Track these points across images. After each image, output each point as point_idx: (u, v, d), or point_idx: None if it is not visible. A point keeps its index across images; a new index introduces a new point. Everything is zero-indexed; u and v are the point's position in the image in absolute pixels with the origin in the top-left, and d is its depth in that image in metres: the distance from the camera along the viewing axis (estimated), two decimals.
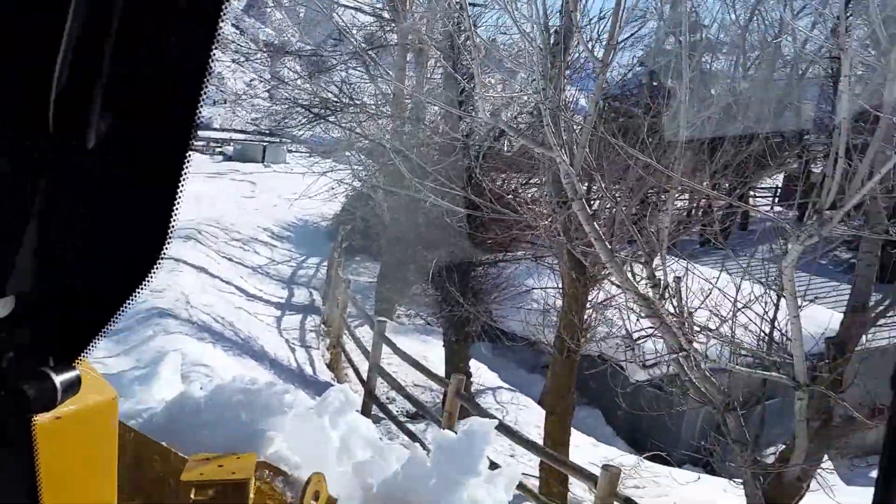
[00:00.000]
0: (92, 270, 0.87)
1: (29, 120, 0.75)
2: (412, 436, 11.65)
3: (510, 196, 13.92)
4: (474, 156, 13.32)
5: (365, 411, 12.82)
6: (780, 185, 31.69)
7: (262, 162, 42.91)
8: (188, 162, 0.83)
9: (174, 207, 0.84)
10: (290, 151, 42.82)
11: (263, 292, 17.79)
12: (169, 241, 0.86)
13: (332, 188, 21.09)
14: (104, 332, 0.89)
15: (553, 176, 9.85)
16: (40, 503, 1.01)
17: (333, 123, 17.11)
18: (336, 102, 17.27)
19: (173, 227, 0.84)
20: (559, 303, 12.55)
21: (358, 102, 17.13)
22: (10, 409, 0.85)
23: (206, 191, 31.29)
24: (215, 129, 60.21)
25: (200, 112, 0.81)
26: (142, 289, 0.87)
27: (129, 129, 0.81)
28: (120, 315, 0.89)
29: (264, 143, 44.41)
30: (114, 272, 0.87)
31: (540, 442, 10.66)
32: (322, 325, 16.73)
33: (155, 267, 0.86)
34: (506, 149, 9.63)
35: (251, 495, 2.93)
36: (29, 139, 0.76)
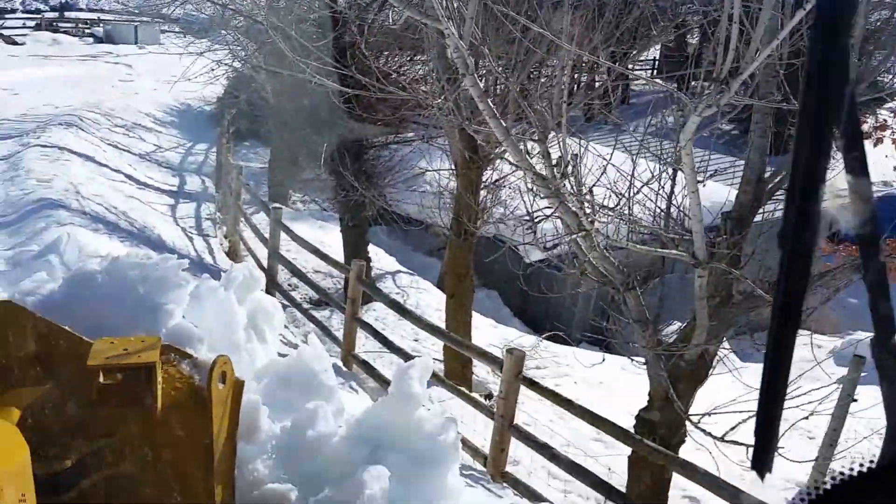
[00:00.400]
0: None
1: None
2: (317, 323, 11.92)
3: (397, 74, 14.07)
4: (357, 31, 13.26)
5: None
6: (656, 57, 32.16)
7: (136, 43, 41.26)
8: None
9: None
10: (163, 32, 41.23)
11: (154, 180, 17.56)
12: None
13: (212, 69, 20.60)
14: None
15: (440, 51, 9.81)
16: None
17: None
18: None
19: None
20: (453, 185, 12.80)
21: None
22: None
23: (80, 74, 30.16)
24: (82, 10, 57.11)
25: None
26: None
27: None
28: None
29: (136, 24, 42.58)
30: None
31: (442, 326, 11.06)
32: (217, 213, 16.67)
33: None
34: (391, 22, 9.47)
35: (159, 378, 2.91)
36: None
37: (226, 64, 21.91)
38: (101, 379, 2.83)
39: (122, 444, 3.07)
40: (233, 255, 15.00)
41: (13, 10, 56.03)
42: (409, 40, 13.48)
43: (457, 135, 10.83)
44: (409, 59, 14.08)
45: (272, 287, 13.14)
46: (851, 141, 0.79)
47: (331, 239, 15.90)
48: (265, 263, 13.97)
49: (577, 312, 15.71)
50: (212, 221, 16.05)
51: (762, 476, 0.80)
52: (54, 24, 50.92)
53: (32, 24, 50.01)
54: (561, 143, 7.24)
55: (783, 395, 0.82)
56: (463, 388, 9.41)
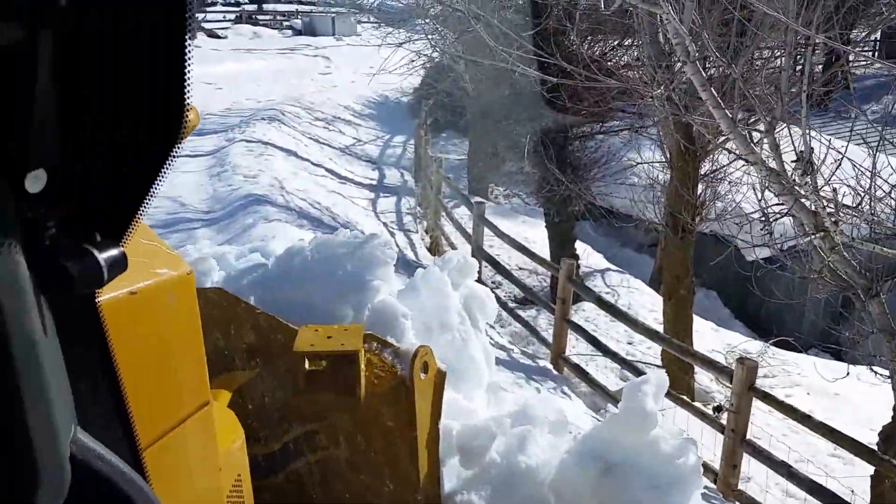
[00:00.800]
0: (120, 140, 0.86)
1: None
2: (524, 323, 11.77)
3: (602, 61, 13.64)
4: (563, 16, 12.94)
5: None
6: (877, 38, 30.00)
7: (333, 35, 42.40)
8: (191, 14, 0.82)
9: (186, 65, 0.82)
10: (359, 22, 42.18)
11: (354, 174, 17.92)
12: (188, 100, 0.85)
13: (411, 61, 20.79)
14: (145, 206, 0.89)
15: (652, 36, 9.41)
16: (119, 381, 1.03)
17: None
18: None
19: (189, 86, 0.83)
20: (664, 177, 12.26)
21: None
22: (58, 289, 0.85)
23: (281, 67, 31.29)
24: (279, 2, 59.44)
25: None
26: (173, 159, 0.87)
27: None
28: (158, 187, 0.89)
29: (332, 15, 43.78)
30: (142, 141, 0.86)
31: (658, 328, 10.62)
32: (417, 208, 16.82)
33: (178, 139, 0.86)
34: (601, 5, 9.11)
35: (362, 366, 2.99)
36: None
37: (424, 54, 22.19)
38: (307, 365, 2.92)
39: (332, 429, 3.23)
40: (434, 250, 15.05)
41: (213, 3, 58.84)
42: (617, 25, 13.06)
43: (671, 125, 10.37)
44: (615, 44, 13.63)
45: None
46: None
47: (534, 234, 15.71)
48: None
49: (806, 316, 14.79)
50: (412, 216, 16.18)
51: None
52: (253, 16, 53.14)
53: (232, 17, 52.37)
54: (802, 137, 6.72)
55: None
56: (686, 398, 9.02)
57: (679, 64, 9.71)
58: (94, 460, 0.93)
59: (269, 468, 3.27)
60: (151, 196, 0.88)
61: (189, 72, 0.83)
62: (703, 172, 11.13)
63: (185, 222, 11.17)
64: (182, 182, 13.99)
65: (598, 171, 14.15)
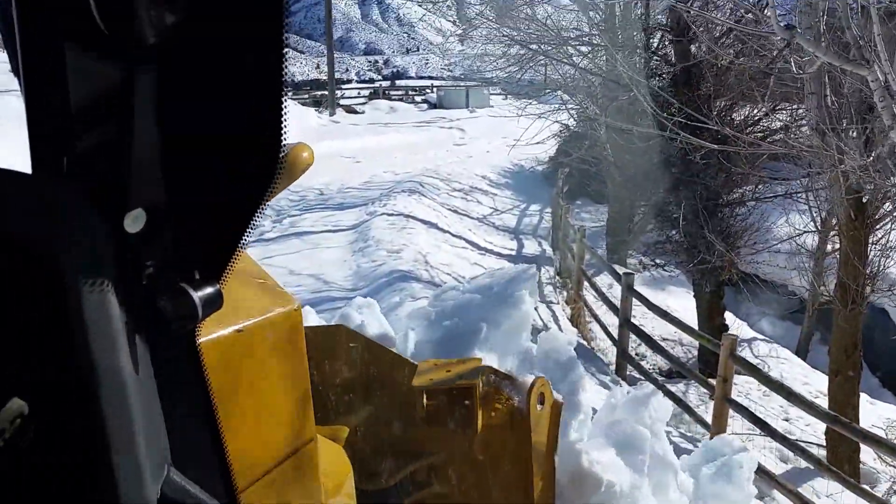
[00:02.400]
0: (217, 180, 0.82)
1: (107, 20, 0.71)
2: (676, 399, 10.79)
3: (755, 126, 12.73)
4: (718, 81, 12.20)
5: (619, 371, 12.11)
6: None
7: (467, 107, 42.45)
8: (285, 61, 0.76)
9: (283, 102, 0.77)
10: (492, 94, 42.24)
11: (493, 244, 17.27)
12: (285, 137, 0.78)
13: (559, 131, 20.20)
14: (243, 244, 0.84)
15: (820, 100, 8.71)
16: (217, 421, 0.96)
17: (555, 59, 16.15)
18: (546, 36, 16.45)
19: (286, 122, 0.77)
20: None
21: (576, 34, 16.20)
22: (154, 327, 0.83)
23: (417, 140, 31.23)
24: (412, 77, 60.35)
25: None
26: (268, 196, 0.81)
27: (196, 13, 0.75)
28: (254, 225, 0.83)
29: (466, 88, 43.95)
30: (238, 181, 0.82)
31: (819, 402, 9.49)
32: (557, 277, 16.06)
33: (275, 175, 0.79)
34: (795, 69, 8.27)
35: (478, 400, 2.94)
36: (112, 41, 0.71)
37: (562, 123, 21.70)
38: (425, 399, 2.91)
39: (448, 463, 3.16)
40: (576, 321, 14.26)
41: (349, 81, 60.30)
42: (770, 88, 12.16)
43: (842, 190, 9.37)
44: (772, 107, 12.65)
45: (623, 358, 12.19)
46: None
47: (676, 303, 14.76)
48: (613, 331, 13.09)
49: None
50: (552, 286, 15.39)
51: None
52: (387, 92, 54.16)
53: (367, 93, 53.46)
54: None
55: None
56: (853, 480, 7.98)
57: (852, 131, 8.90)
58: (187, 501, 0.90)
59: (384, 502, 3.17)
60: (249, 233, 0.84)
61: (286, 108, 0.79)
62: (875, 241, 10.03)
63: (329, 301, 10.59)
64: (325, 258, 13.62)
65: (748, 237, 13.06)
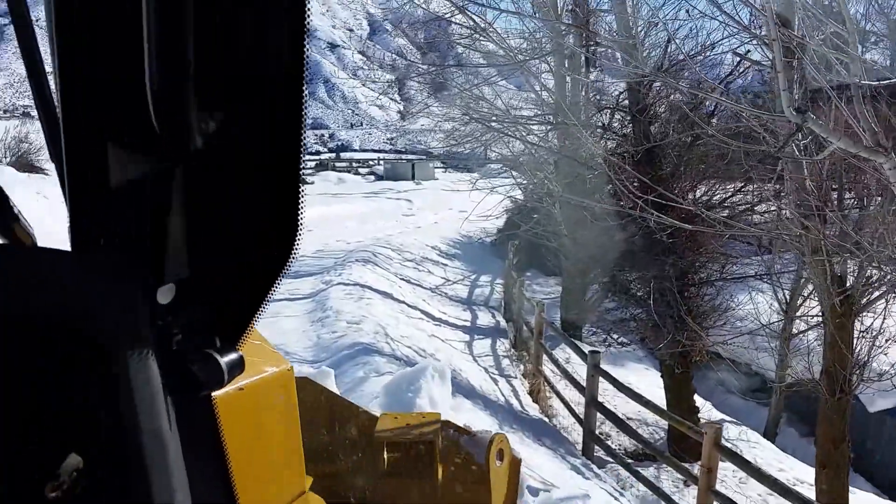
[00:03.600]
0: (238, 257, 0.87)
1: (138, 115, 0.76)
2: (654, 488, 9.74)
3: (720, 207, 11.99)
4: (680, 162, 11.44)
5: (586, 452, 11.01)
6: None
7: (413, 179, 41.58)
8: (303, 149, 0.83)
9: (300, 187, 0.83)
10: (436, 168, 41.62)
11: (447, 315, 16.16)
12: (300, 225, 0.83)
13: (510, 205, 19.42)
14: (260, 314, 0.88)
15: (800, 184, 7.96)
16: (230, 474, 0.99)
17: (511, 136, 15.35)
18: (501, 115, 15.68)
19: (302, 211, 0.83)
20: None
21: (536, 114, 15.41)
22: (185, 390, 0.86)
23: (366, 210, 30.28)
24: (355, 150, 60.39)
25: (305, 96, 0.82)
26: (285, 272, 0.85)
27: (232, 122, 0.81)
28: (271, 296, 0.87)
29: (413, 161, 43.27)
30: (257, 259, 0.87)
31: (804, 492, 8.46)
32: (512, 350, 15.00)
33: (292, 254, 0.84)
34: (802, 153, 7.45)
35: (438, 454, 2.90)
36: (147, 136, 0.78)
37: (513, 197, 20.94)
38: (386, 452, 2.86)
39: None
40: (535, 395, 13.15)
41: None
42: (735, 169, 11.45)
43: (827, 275, 8.53)
44: (740, 188, 11.88)
45: (590, 439, 11.10)
46: None
47: (638, 380, 13.80)
48: (576, 409, 12.03)
49: None
50: (509, 359, 14.31)
51: None
52: (331, 163, 53.37)
53: (313, 164, 52.63)
54: None
55: None
56: None
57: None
58: None
59: None
60: (267, 303, 0.88)
61: (303, 192, 0.85)
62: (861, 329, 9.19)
63: None
64: (286, 328, 12.41)
65: (717, 318, 12.13)
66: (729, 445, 11.52)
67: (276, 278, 0.86)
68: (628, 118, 11.75)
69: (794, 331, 14.35)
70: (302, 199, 0.83)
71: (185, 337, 0.87)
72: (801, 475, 11.58)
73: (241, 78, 0.80)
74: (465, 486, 2.95)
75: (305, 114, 0.82)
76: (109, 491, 0.79)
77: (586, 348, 11.94)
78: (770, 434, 14.61)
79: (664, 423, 12.77)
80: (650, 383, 14.56)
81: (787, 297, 14.24)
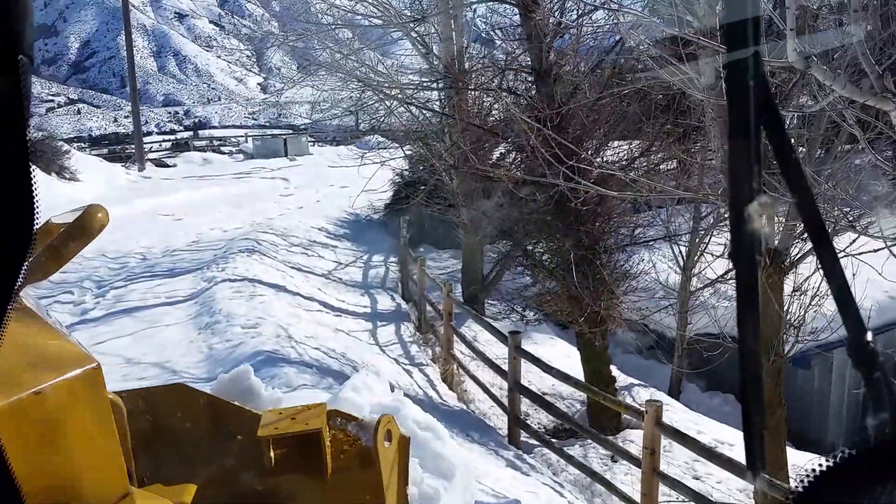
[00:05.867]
0: None
1: None
2: (582, 467, 9.59)
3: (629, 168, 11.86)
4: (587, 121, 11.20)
5: (512, 438, 10.78)
6: None
7: (286, 156, 40.34)
8: (28, 128, 0.74)
9: (30, 173, 0.75)
10: (310, 142, 40.55)
11: (346, 303, 15.55)
12: (36, 199, 0.76)
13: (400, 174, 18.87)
14: (10, 307, 0.80)
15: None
16: (16, 485, 0.90)
17: (408, 103, 14.86)
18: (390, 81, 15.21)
19: (35, 185, 0.76)
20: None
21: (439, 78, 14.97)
22: None
23: (239, 192, 29.14)
24: (215, 127, 58.35)
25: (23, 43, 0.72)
26: (29, 254, 0.78)
27: None
28: (16, 295, 0.80)
29: (284, 137, 41.96)
30: None
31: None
32: (417, 333, 14.63)
33: (32, 238, 0.77)
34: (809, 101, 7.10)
35: (327, 443, 2.91)
36: None
37: (400, 170, 20.53)
38: (272, 449, 2.84)
39: None
40: (449, 381, 12.84)
41: (149, 133, 57.30)
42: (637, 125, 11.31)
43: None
44: (647, 147, 11.72)
45: (516, 424, 10.87)
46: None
47: (546, 352, 13.63)
48: (497, 392, 11.79)
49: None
50: (416, 345, 13.93)
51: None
52: (188, 142, 51.40)
53: (168, 144, 50.63)
54: None
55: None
56: None
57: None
58: None
59: None
60: (12, 304, 0.81)
61: (34, 175, 0.78)
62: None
63: None
64: (166, 340, 11.19)
65: (629, 284, 12.06)
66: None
67: (19, 269, 0.80)
68: (531, 80, 11.40)
69: (692, 288, 14.60)
70: (33, 175, 0.77)
71: None
72: (720, 435, 11.72)
73: None
74: (355, 473, 2.97)
75: (24, 69, 0.72)
76: None
77: (504, 328, 11.69)
78: (674, 392, 14.83)
79: (579, 396, 12.73)
80: (560, 354, 14.49)
81: (685, 255, 14.47)
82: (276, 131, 43.22)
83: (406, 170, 21.33)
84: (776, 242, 8.63)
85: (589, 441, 10.78)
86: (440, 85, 14.84)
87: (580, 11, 11.29)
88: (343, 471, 2.95)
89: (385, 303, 16.27)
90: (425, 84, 14.90)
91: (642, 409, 8.28)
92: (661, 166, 11.89)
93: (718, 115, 7.85)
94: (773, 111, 0.87)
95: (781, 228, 8.69)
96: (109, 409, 1.54)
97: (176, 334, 11.65)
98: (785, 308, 8.89)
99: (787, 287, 9.20)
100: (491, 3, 13.08)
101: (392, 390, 6.22)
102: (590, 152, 10.78)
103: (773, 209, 8.01)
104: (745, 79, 0.85)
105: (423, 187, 18.99)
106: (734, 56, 0.86)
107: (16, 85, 0.72)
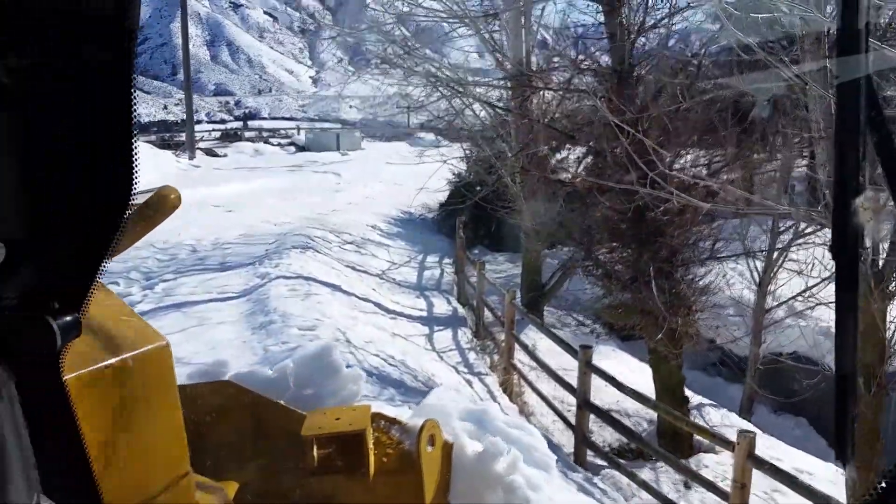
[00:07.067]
0: (73, 215, 0.87)
1: None
2: (654, 492, 9.02)
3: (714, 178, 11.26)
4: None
5: (578, 458, 10.23)
6: None
7: (338, 150, 39.99)
8: (134, 103, 0.82)
9: (133, 138, 0.83)
10: (363, 137, 40.20)
11: (401, 305, 15.06)
12: (136, 174, 0.83)
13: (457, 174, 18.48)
14: (99, 275, 0.88)
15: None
16: (86, 452, 0.99)
17: (483, 102, 14.33)
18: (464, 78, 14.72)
19: (136, 158, 0.82)
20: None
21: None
22: (11, 355, 0.85)
23: (289, 186, 28.86)
24: (264, 118, 58.58)
25: (134, 26, 0.77)
26: (122, 229, 0.86)
27: (48, 60, 0.79)
28: (111, 254, 0.88)
29: (337, 131, 41.64)
30: (92, 215, 0.86)
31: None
32: (475, 339, 14.11)
33: (128, 205, 0.85)
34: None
35: (370, 445, 2.89)
36: None
37: (457, 170, 20.12)
38: (316, 449, 2.84)
39: None
40: (509, 392, 12.30)
41: (198, 122, 57.54)
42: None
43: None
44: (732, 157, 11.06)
45: (583, 443, 10.32)
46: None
47: (614, 368, 13.07)
48: (559, 406, 11.26)
49: None
50: (474, 352, 13.41)
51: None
52: (238, 132, 51.38)
53: (218, 134, 50.61)
54: None
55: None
56: None
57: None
58: None
59: None
60: (106, 265, 0.88)
61: (136, 143, 0.83)
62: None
63: None
64: (219, 339, 10.60)
65: (706, 299, 11.41)
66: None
67: (114, 235, 0.84)
68: (613, 81, 10.80)
69: (767, 305, 13.97)
70: (136, 149, 0.80)
71: (19, 302, 0.85)
72: (798, 462, 11.07)
73: (54, 9, 0.76)
74: (397, 476, 2.96)
75: (134, 52, 0.76)
76: None
77: (566, 338, 11.16)
78: (745, 413, 14.17)
79: (646, 413, 12.15)
80: (625, 369, 13.87)
81: (760, 271, 13.83)
82: (325, 125, 43.00)
83: (464, 170, 20.86)
84: (881, 265, 8.01)
85: (659, 463, 10.23)
86: (508, 84, 14.33)
87: (670, 9, 10.64)
88: (385, 473, 2.95)
89: (441, 306, 15.78)
90: (496, 82, 14.37)
91: (732, 440, 7.69)
92: (741, 176, 11.25)
93: (826, 123, 7.27)
94: (878, 111, 0.92)
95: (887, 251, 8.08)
96: (176, 388, 1.53)
97: (228, 333, 11.18)
98: (889, 335, 8.24)
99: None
100: None
101: None
102: (668, 160, 10.22)
103: (878, 204, 7.39)
104: (856, 86, 0.90)
105: (479, 188, 18.52)
106: (845, 62, 0.91)
107: (125, 55, 0.76)
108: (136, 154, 0.82)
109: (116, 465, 1.27)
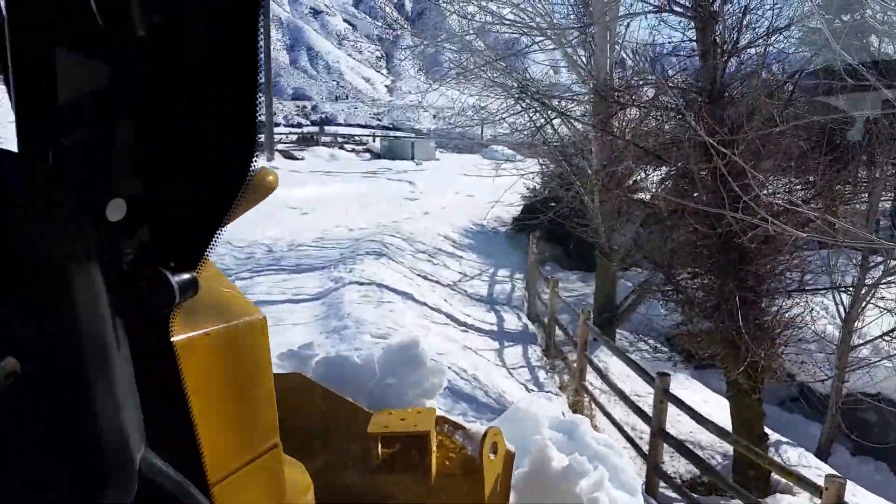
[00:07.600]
0: (194, 175, 0.87)
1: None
2: None
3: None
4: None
5: (650, 488, 9.90)
6: None
7: (412, 159, 40.02)
8: (261, 67, 0.82)
9: (256, 100, 0.82)
10: (437, 148, 40.19)
11: (471, 318, 14.86)
12: (259, 135, 0.84)
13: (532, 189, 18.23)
14: (218, 235, 0.89)
15: None
16: (190, 413, 1.01)
17: (567, 117, 14.06)
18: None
19: (259, 122, 0.83)
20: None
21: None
22: (131, 307, 0.86)
23: (365, 192, 28.96)
24: (340, 125, 59.32)
25: None
26: (245, 188, 0.84)
27: (179, 19, 0.80)
28: (229, 218, 0.88)
29: (412, 140, 41.75)
30: (215, 176, 0.86)
31: None
32: (545, 357, 13.84)
33: (251, 166, 0.84)
34: None
35: (433, 448, 2.90)
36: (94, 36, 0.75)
37: (532, 184, 19.90)
38: (380, 447, 2.86)
39: None
40: (579, 413, 11.99)
41: (277, 125, 58.34)
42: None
43: None
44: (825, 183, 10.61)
45: (655, 473, 9.98)
46: None
47: (688, 397, 12.67)
48: (630, 432, 10.94)
49: None
50: (543, 370, 13.15)
51: None
52: (314, 137, 51.87)
53: (294, 137, 51.18)
54: None
55: None
56: None
57: None
58: (163, 480, 0.93)
59: None
60: (224, 226, 0.88)
61: (260, 107, 0.84)
62: None
63: None
64: (292, 341, 10.70)
65: (792, 333, 10.95)
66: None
67: (235, 196, 0.84)
68: (704, 100, 10.44)
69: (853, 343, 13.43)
70: (260, 114, 0.81)
71: (138, 257, 0.85)
72: None
73: None
74: (458, 480, 2.96)
75: (264, 15, 0.79)
76: (46, 398, 0.78)
77: (647, 367, 10.82)
78: (823, 454, 13.60)
79: (720, 445, 11.76)
80: (698, 399, 13.44)
81: (847, 306, 13.29)
82: (399, 133, 43.15)
83: (538, 185, 20.62)
84: None
85: (733, 499, 9.83)
86: (591, 99, 14.06)
87: (768, 28, 10.27)
88: (446, 476, 2.96)
89: (511, 321, 15.54)
90: (580, 97, 14.12)
91: (819, 484, 7.31)
92: (827, 207, 10.81)
93: None
94: None
95: None
96: (270, 362, 1.56)
97: (302, 335, 11.09)
98: None
99: None
100: (663, 13, 12.10)
101: None
102: (761, 184, 9.85)
103: None
104: None
105: (553, 204, 18.24)
106: None
107: (255, 23, 0.76)
108: (260, 120, 0.82)
109: (211, 431, 1.26)
